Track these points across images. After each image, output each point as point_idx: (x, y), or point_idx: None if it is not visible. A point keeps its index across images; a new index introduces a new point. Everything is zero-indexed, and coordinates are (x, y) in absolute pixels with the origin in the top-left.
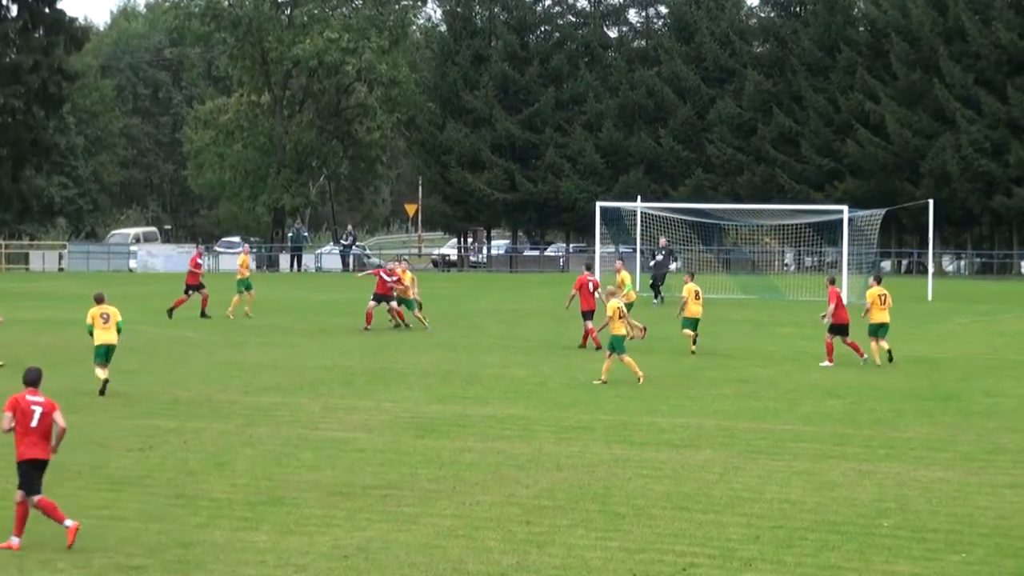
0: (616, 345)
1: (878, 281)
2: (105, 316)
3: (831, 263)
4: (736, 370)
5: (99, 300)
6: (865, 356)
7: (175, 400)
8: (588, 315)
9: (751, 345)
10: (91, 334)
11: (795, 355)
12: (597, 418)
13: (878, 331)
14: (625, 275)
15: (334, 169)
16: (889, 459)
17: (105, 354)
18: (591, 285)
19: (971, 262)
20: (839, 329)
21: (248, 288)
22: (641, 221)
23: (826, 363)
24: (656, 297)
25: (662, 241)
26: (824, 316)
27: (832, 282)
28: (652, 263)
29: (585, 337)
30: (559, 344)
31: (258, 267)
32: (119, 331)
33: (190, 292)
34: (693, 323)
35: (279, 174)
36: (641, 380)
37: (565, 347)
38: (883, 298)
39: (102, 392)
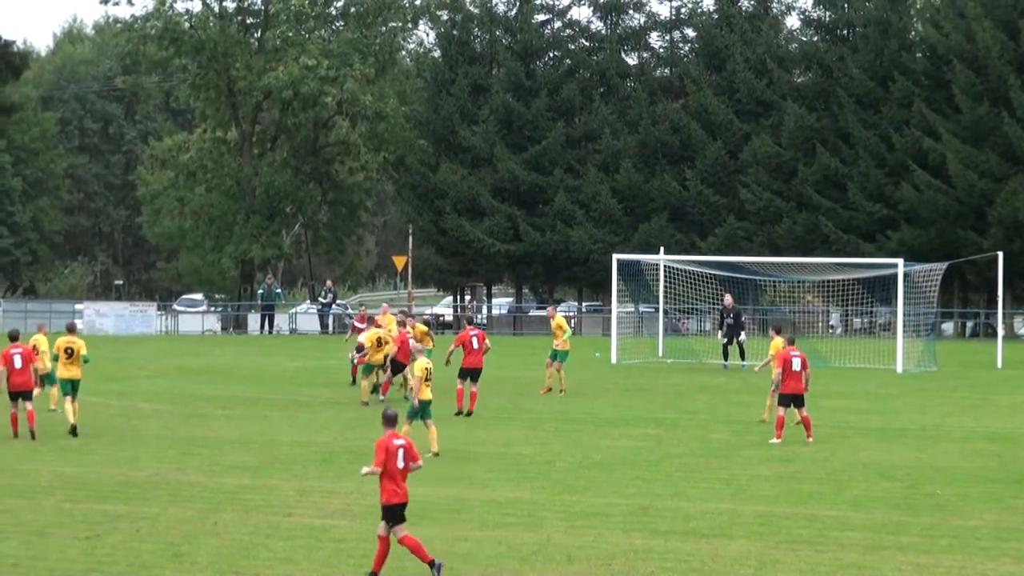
0: (423, 411)
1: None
2: (69, 351)
3: (884, 324)
4: (775, 448)
5: (70, 329)
6: (811, 438)
7: (127, 481)
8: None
9: (792, 419)
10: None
11: (842, 431)
12: (614, 503)
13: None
14: (560, 320)
15: (311, 215)
16: (951, 551)
17: (72, 389)
18: (475, 340)
19: None
20: (788, 400)
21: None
22: (664, 276)
23: (774, 440)
24: (743, 360)
25: (728, 300)
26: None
27: (781, 335)
28: (722, 326)
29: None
30: (570, 418)
31: (223, 328)
32: (85, 362)
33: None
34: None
35: (248, 221)
36: (434, 453)
37: (577, 421)
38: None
39: (73, 433)
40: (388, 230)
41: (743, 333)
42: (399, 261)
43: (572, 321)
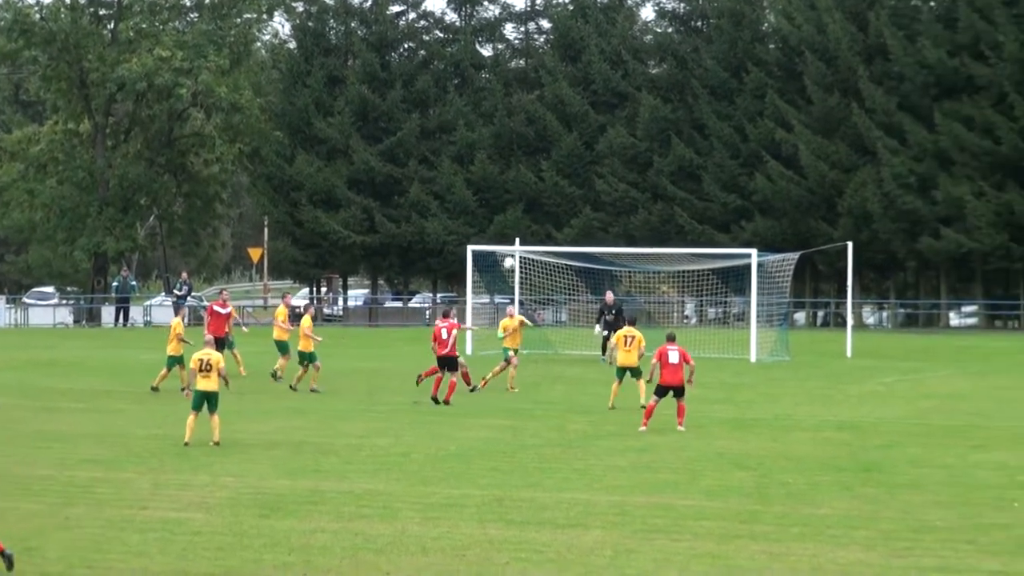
0: (206, 401)
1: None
2: None
3: (738, 314)
4: (630, 438)
5: None
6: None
7: None
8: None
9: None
10: None
11: (697, 420)
12: (469, 494)
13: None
14: (508, 322)
15: (166, 208)
16: (803, 539)
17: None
18: (443, 331)
19: (894, 313)
20: (664, 390)
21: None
22: (520, 267)
23: (641, 428)
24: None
25: (609, 296)
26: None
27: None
28: (601, 321)
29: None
30: (425, 409)
31: (76, 321)
32: None
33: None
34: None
35: (101, 214)
36: (215, 443)
37: (433, 412)
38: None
39: None
40: (244, 222)
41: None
42: (255, 253)
43: (428, 312)
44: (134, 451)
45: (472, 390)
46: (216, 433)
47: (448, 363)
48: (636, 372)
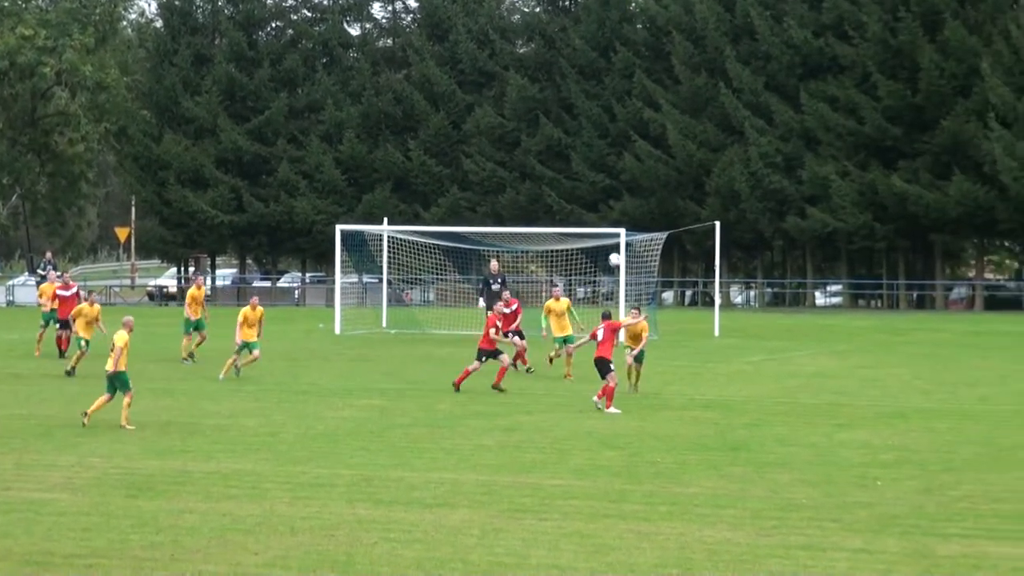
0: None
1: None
2: None
3: (607, 294)
4: (499, 417)
5: None
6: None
7: None
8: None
9: (516, 388)
10: None
11: (566, 400)
12: (338, 473)
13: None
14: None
15: (29, 187)
16: (671, 518)
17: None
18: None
19: (761, 293)
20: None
21: (200, 328)
22: (388, 247)
23: (613, 410)
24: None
25: (494, 265)
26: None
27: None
28: (488, 294)
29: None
30: (294, 389)
31: None
32: None
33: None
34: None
35: None
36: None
37: (301, 392)
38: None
39: None
40: (110, 201)
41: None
42: (122, 232)
43: (297, 292)
44: None
45: (528, 370)
46: (124, 414)
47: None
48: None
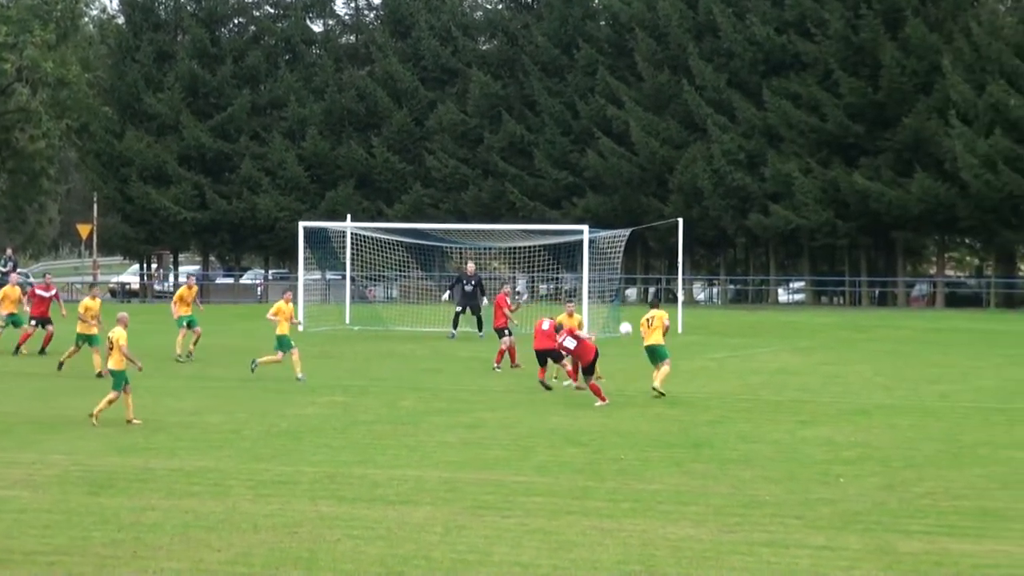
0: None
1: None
2: None
3: (570, 291)
4: (462, 414)
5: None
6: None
7: None
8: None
9: (479, 386)
10: None
11: (530, 396)
12: (301, 470)
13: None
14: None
15: None
16: (634, 514)
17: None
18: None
19: (724, 290)
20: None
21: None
22: (351, 244)
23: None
24: (480, 330)
25: (471, 267)
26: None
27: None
28: (459, 294)
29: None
30: (257, 386)
31: None
32: None
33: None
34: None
35: None
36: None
37: (264, 390)
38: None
39: None
40: (72, 198)
41: (484, 299)
42: (83, 229)
43: (260, 289)
44: None
45: (514, 367)
46: (129, 411)
47: (552, 355)
48: (660, 353)
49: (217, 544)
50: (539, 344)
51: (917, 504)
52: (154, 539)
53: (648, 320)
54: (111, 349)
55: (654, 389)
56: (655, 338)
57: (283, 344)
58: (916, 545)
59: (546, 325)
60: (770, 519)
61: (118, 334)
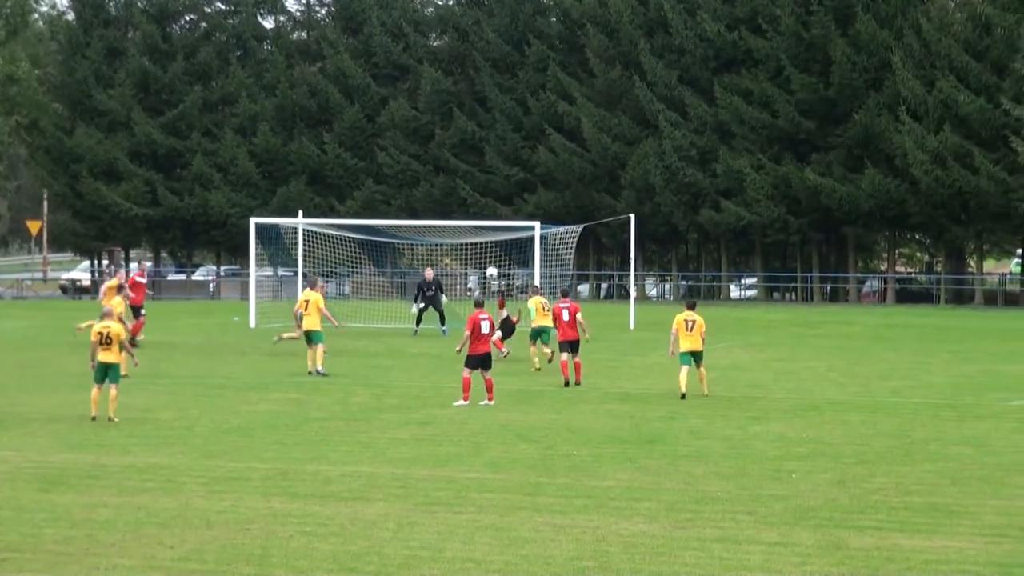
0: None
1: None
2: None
3: (521, 287)
4: (414, 411)
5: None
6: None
7: None
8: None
9: (431, 382)
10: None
11: (482, 393)
12: (253, 467)
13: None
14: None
15: None
16: (587, 510)
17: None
18: (484, 324)
19: (676, 285)
20: (565, 346)
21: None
22: (303, 240)
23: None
24: (443, 325)
25: (428, 273)
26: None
27: (540, 295)
28: (421, 298)
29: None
30: (209, 383)
31: None
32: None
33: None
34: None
35: None
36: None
37: (216, 386)
38: (688, 324)
39: None
40: (22, 194)
41: (444, 298)
42: (33, 226)
43: (212, 285)
44: None
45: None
46: (112, 407)
47: (483, 361)
48: (700, 356)
49: (170, 541)
50: (563, 335)
51: (868, 500)
52: (106, 536)
53: (688, 323)
54: (109, 344)
55: (699, 393)
56: (697, 344)
57: (314, 338)
58: (867, 541)
59: (566, 316)
60: (722, 515)
61: (116, 329)
